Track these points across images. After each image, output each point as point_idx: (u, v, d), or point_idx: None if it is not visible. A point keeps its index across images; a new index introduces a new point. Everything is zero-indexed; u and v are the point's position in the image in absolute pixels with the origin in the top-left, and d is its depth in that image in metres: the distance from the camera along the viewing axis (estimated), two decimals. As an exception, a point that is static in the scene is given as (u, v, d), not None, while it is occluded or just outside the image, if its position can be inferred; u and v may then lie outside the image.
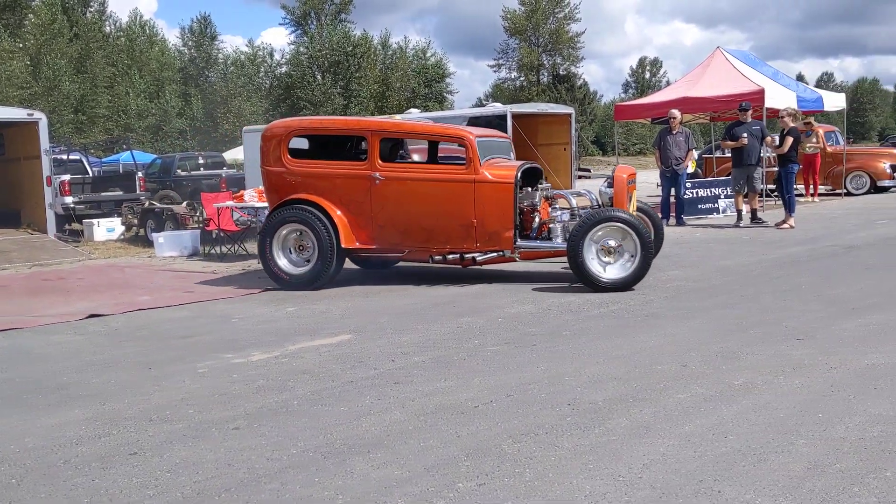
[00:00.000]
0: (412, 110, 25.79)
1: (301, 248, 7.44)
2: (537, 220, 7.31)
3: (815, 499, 2.63)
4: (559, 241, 7.09)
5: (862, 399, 3.61)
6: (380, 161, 7.26)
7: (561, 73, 62.40)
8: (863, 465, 2.88)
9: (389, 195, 7.23)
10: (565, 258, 6.85)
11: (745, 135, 11.44)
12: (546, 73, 62.73)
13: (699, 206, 13.13)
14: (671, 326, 5.26)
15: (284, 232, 7.38)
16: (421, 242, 7.31)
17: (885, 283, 6.62)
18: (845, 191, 16.16)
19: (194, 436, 3.50)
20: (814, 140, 14.75)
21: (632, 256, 6.58)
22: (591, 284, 6.60)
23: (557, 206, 7.52)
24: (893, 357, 4.28)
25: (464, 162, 7.14)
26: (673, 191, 12.44)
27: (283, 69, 48.73)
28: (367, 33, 48.61)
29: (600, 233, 6.61)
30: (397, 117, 11.87)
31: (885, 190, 16.38)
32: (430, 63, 51.48)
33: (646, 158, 55.55)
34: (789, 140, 11.11)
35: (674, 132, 12.18)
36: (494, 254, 7.14)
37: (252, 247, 9.23)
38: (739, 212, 11.69)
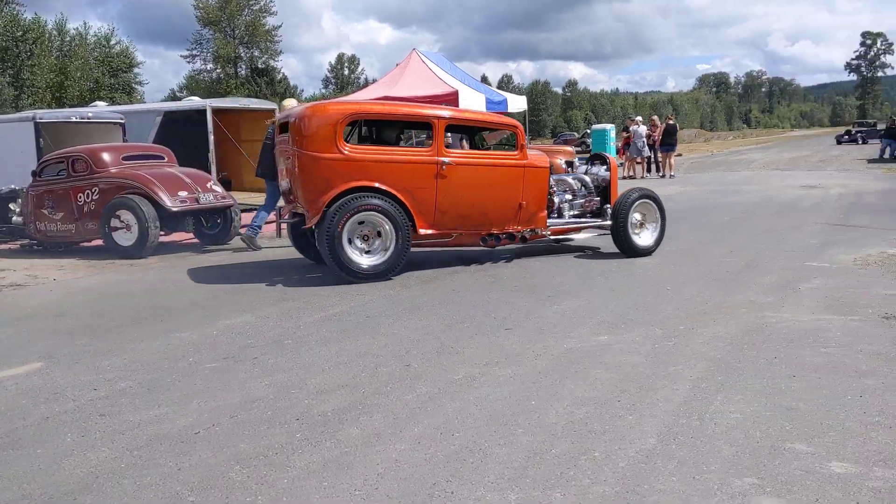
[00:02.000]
0: (98, 103, 23.50)
1: (365, 237, 7.11)
2: (556, 200, 8.31)
3: (538, 486, 2.80)
4: (571, 218, 8.38)
5: (566, 383, 3.95)
6: (443, 148, 7.39)
7: (259, 66, 61.21)
8: (574, 447, 3.13)
9: (453, 181, 7.33)
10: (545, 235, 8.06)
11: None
12: (244, 66, 61.11)
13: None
14: (391, 326, 5.34)
15: (354, 222, 6.96)
16: (476, 226, 7.64)
17: (573, 271, 7.38)
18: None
19: None
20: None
21: (658, 227, 8.26)
22: (632, 251, 7.99)
23: (557, 189, 8.44)
24: (586, 341, 4.76)
25: (510, 144, 7.90)
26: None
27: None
28: (40, 17, 43.32)
29: (637, 205, 8.10)
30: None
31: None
32: (116, 51, 47.41)
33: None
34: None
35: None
36: (532, 232, 7.93)
37: None
38: None
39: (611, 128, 29.71)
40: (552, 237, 8.31)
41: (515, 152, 7.85)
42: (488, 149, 8.60)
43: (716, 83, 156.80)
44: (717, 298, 5.84)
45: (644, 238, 8.17)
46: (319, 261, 7.77)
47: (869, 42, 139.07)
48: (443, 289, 6.66)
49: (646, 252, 8.06)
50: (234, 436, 3.41)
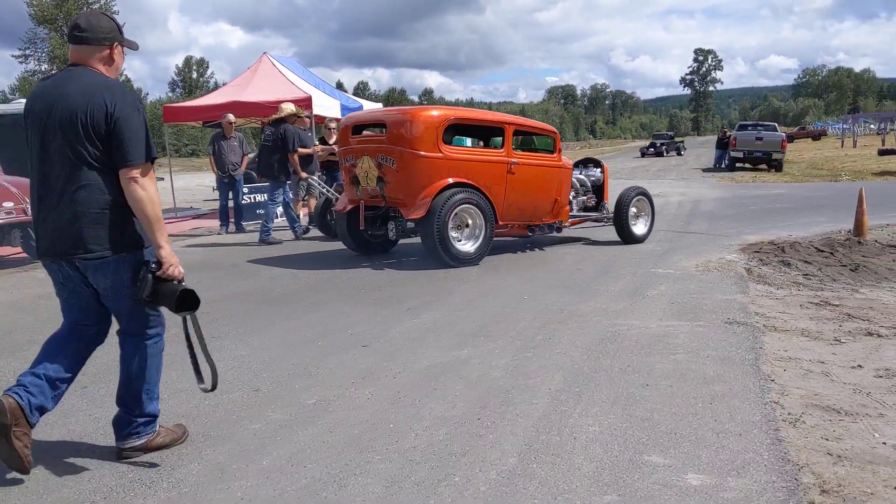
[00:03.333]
0: None
1: (457, 227, 8.03)
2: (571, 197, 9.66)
3: (397, 519, 2.63)
4: (579, 212, 9.86)
5: (426, 402, 3.80)
6: (512, 150, 8.55)
7: (101, 67, 57.64)
8: (434, 472, 2.98)
9: (517, 178, 8.43)
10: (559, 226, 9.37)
11: (317, 142, 11.80)
12: (83, 67, 57.38)
13: (258, 212, 13.11)
14: (237, 347, 5.00)
15: (454, 213, 7.88)
16: (527, 218, 8.84)
17: (431, 280, 7.29)
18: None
19: None
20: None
21: (648, 219, 9.78)
22: (630, 239, 9.38)
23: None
24: (446, 355, 4.64)
25: (547, 149, 9.23)
26: (231, 196, 12.25)
27: None
28: None
29: (635, 202, 9.55)
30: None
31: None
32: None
33: (199, 160, 54.51)
34: (317, 148, 11.76)
35: (228, 137, 11.94)
36: (560, 224, 9.28)
37: None
38: (298, 217, 11.84)
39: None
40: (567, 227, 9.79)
41: (555, 155, 9.15)
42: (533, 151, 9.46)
43: (564, 95, 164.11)
44: (572, 306, 5.91)
45: (639, 228, 9.65)
46: (365, 251, 8.85)
47: (701, 58, 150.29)
48: (297, 303, 6.36)
49: (641, 240, 9.54)
50: (55, 484, 3.01)
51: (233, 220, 12.26)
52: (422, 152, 7.77)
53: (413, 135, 7.77)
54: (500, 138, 8.69)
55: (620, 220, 9.42)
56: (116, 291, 3.10)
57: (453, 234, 7.91)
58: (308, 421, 3.60)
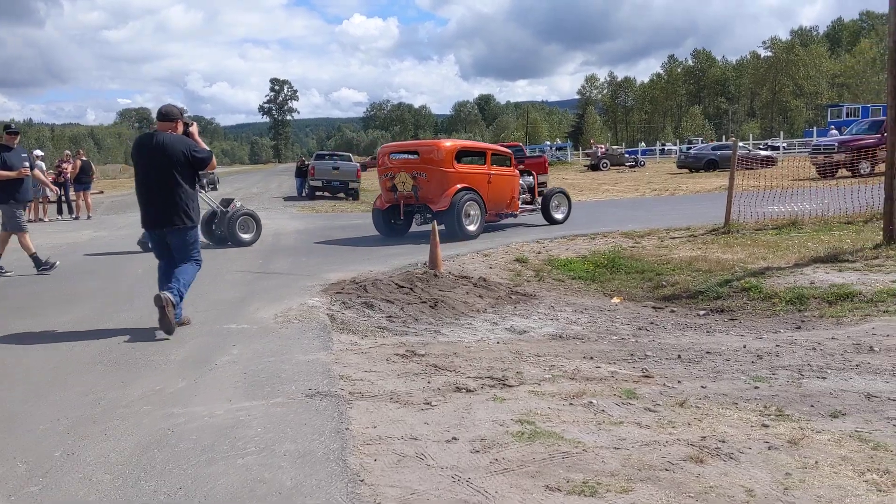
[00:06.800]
0: None
1: (467, 216, 12.59)
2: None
3: None
4: (523, 205, 14.59)
5: None
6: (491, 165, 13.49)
7: None
8: None
9: (493, 184, 13.18)
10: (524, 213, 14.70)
11: (26, 164, 9.40)
12: None
13: None
14: None
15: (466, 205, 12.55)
16: (497, 209, 13.52)
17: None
18: None
19: None
20: None
21: (565, 208, 14.89)
22: (552, 221, 14.47)
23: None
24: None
25: (506, 164, 13.98)
26: None
27: None
28: None
29: (555, 196, 14.83)
30: None
31: None
32: None
33: None
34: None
35: None
36: (514, 214, 14.13)
37: None
38: None
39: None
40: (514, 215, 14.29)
41: (512, 167, 13.83)
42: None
43: (138, 118, 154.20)
44: (113, 392, 4.52)
45: (559, 214, 14.72)
46: (391, 235, 13.34)
47: (277, 88, 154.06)
48: None
49: (561, 222, 14.49)
50: None
51: None
52: (446, 169, 12.51)
53: (439, 158, 12.55)
54: (483, 158, 13.64)
55: (547, 209, 14.59)
56: None
57: (465, 219, 12.48)
58: None
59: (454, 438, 3.72)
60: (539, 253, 10.73)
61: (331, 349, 5.50)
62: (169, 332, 5.91)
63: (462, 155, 13.43)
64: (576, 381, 4.72)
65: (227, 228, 12.62)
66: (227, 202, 13.08)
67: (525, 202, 14.73)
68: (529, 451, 3.53)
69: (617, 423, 3.93)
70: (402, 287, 8.01)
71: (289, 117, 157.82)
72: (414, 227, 13.58)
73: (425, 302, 7.46)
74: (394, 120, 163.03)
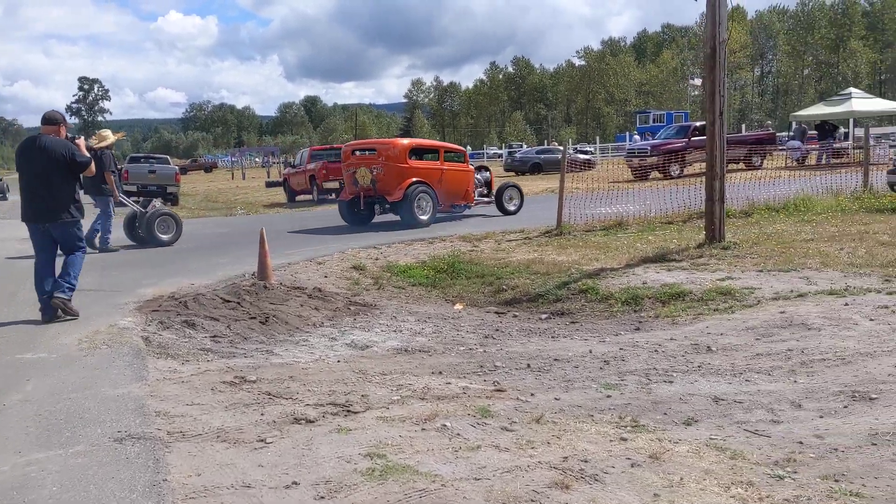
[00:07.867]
0: None
1: (419, 206, 14.14)
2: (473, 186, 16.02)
3: None
4: (478, 197, 16.17)
5: None
6: (444, 161, 15.13)
7: None
8: None
9: (446, 177, 14.75)
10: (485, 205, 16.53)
11: None
12: None
13: None
14: None
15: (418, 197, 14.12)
16: (451, 200, 15.06)
17: None
18: None
19: None
20: None
21: (518, 201, 16.42)
22: (506, 212, 15.89)
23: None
24: None
25: (460, 160, 15.88)
26: None
27: None
28: None
29: (508, 190, 16.42)
30: None
31: None
32: None
33: None
34: None
35: None
36: (468, 205, 15.69)
37: None
38: None
39: None
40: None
41: (464, 163, 15.75)
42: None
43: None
44: None
45: (511, 206, 16.10)
46: (356, 224, 14.92)
47: (87, 87, 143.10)
48: None
49: (514, 213, 15.89)
50: None
51: None
52: (399, 164, 14.13)
53: (393, 155, 14.28)
54: (437, 155, 15.25)
55: (500, 201, 16.01)
56: None
57: (416, 209, 14.01)
58: None
59: (294, 483, 3.23)
60: (377, 259, 10.32)
61: (145, 379, 4.80)
62: (76, 314, 6.74)
63: (416, 152, 15.10)
64: (427, 402, 4.37)
65: (146, 229, 12.47)
66: (146, 202, 13.09)
67: (481, 195, 16.44)
68: (382, 491, 3.12)
69: (474, 449, 3.62)
70: (229, 301, 7.32)
71: (100, 118, 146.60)
72: (378, 218, 15.27)
73: (255, 318, 6.84)
74: (216, 121, 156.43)
